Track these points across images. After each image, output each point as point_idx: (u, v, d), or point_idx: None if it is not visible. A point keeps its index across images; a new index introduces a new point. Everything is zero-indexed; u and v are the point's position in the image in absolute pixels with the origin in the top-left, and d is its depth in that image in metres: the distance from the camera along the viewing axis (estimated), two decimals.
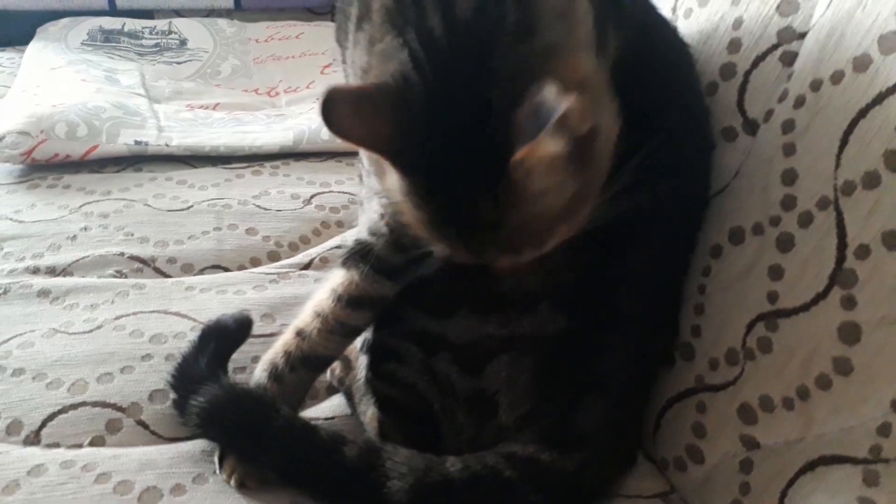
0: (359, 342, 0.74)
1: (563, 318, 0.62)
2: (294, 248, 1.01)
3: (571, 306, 0.62)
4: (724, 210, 0.70)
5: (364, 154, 0.84)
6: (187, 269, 0.94)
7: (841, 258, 0.58)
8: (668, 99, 0.67)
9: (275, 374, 0.68)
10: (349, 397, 0.75)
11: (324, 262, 0.98)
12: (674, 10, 0.79)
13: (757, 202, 0.66)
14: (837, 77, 0.61)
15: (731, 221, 0.68)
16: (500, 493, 0.60)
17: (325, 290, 0.69)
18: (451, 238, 0.54)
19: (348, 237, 1.02)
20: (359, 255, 0.68)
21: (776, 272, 0.63)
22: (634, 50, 0.63)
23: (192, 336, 0.77)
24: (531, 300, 0.62)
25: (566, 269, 0.61)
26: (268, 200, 1.08)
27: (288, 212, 1.06)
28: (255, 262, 0.98)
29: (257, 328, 0.77)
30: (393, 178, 0.54)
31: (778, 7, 0.68)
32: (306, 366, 0.69)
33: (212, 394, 0.63)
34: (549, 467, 0.61)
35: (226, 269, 0.95)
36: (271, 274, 0.93)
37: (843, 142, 0.59)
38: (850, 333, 0.56)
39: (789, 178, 0.63)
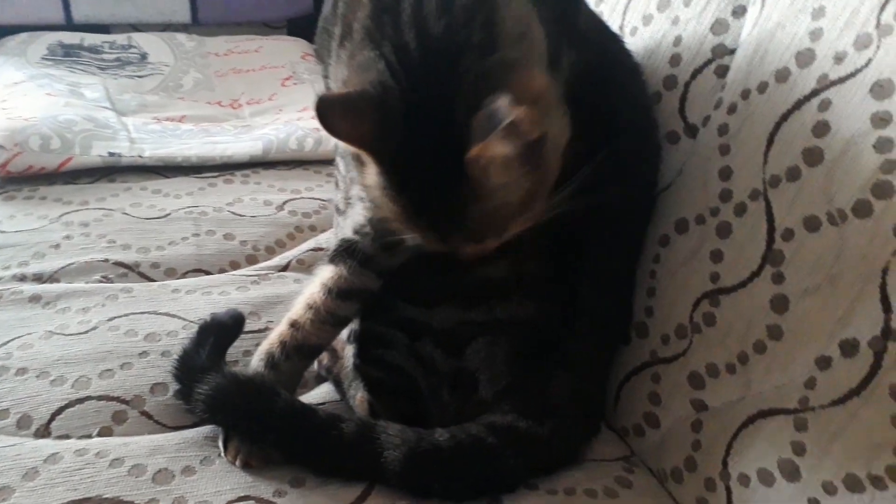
0: (345, 333, 0.80)
1: (532, 305, 0.70)
2: (271, 252, 1.07)
3: (538, 296, 0.70)
4: (670, 204, 0.79)
5: (342, 160, 0.91)
6: (170, 273, 0.99)
7: (770, 241, 0.67)
8: (620, 107, 0.76)
9: (271, 362, 0.74)
10: (337, 384, 0.81)
11: (301, 264, 1.04)
12: (621, 27, 0.88)
13: (698, 196, 0.75)
14: (763, 87, 0.71)
15: (676, 214, 0.78)
16: (483, 457, 0.67)
17: (315, 284, 0.75)
18: (422, 228, 0.62)
19: (322, 240, 1.09)
20: (346, 252, 0.74)
21: (717, 256, 0.72)
22: (591, 65, 0.71)
23: (185, 334, 0.83)
24: (504, 291, 0.70)
25: (533, 263, 0.68)
26: (242, 207, 1.13)
27: (262, 217, 1.12)
28: (235, 266, 1.03)
29: (245, 325, 0.83)
30: (372, 175, 0.61)
31: (711, 27, 0.78)
32: (300, 353, 0.75)
33: (215, 382, 0.69)
34: (526, 433, 0.69)
35: (207, 273, 1.00)
36: (252, 276, 0.99)
37: (770, 142, 0.69)
38: (780, 304, 0.66)
39: (726, 174, 0.73)
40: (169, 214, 1.09)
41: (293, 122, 1.35)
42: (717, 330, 0.71)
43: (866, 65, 0.63)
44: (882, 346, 0.58)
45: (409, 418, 0.70)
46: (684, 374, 0.74)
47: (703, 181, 0.75)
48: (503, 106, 0.53)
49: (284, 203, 1.16)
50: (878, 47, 0.62)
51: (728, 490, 0.68)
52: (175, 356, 0.74)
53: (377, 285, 0.74)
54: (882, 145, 0.60)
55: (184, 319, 0.86)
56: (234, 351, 0.79)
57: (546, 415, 0.70)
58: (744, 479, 0.67)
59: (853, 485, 0.59)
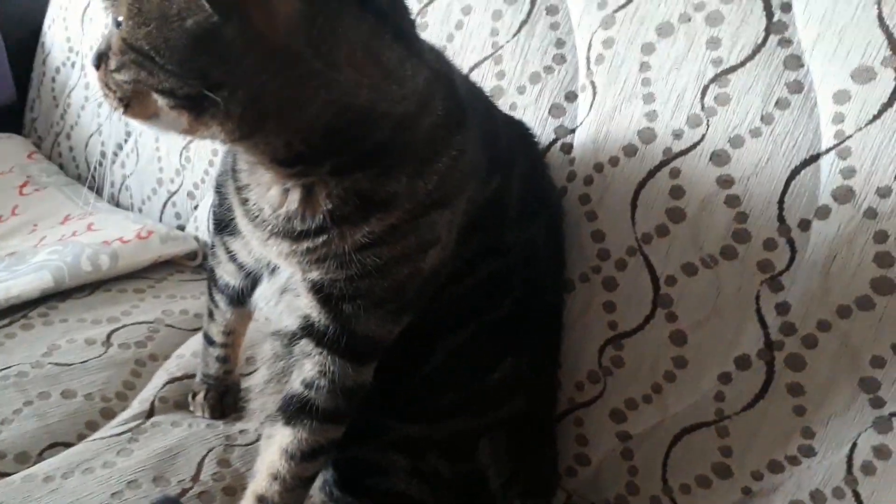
0: None
1: (525, 396, 0.75)
2: (123, 399, 0.95)
3: (529, 386, 0.76)
4: None
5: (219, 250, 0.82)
6: (23, 458, 0.82)
7: (657, 288, 0.81)
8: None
9: None
10: None
11: (164, 403, 0.94)
12: None
13: (576, 258, 0.87)
14: (614, 161, 0.84)
15: None
16: None
17: (274, 450, 0.70)
18: None
19: (173, 368, 1.00)
20: (300, 411, 0.69)
21: (609, 306, 0.85)
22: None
23: None
24: (509, 391, 0.73)
25: (526, 357, 0.71)
26: (63, 355, 0.98)
27: (94, 361, 0.98)
28: (93, 426, 0.89)
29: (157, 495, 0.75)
30: None
31: (550, 111, 0.90)
32: None
33: None
34: None
35: (66, 444, 0.86)
36: (123, 433, 0.87)
37: (633, 206, 0.83)
38: (678, 338, 0.80)
39: (598, 237, 0.85)
40: None
41: (71, 240, 1.19)
42: (626, 369, 0.84)
43: (701, 139, 0.79)
44: (770, 356, 0.75)
45: None
46: (605, 412, 0.85)
47: (578, 244, 0.87)
48: None
49: (109, 336, 1.03)
50: (707, 125, 0.79)
51: (673, 500, 0.81)
52: None
53: (342, 430, 0.71)
54: (731, 201, 0.77)
55: None
56: None
57: (545, 490, 0.76)
58: (685, 488, 0.80)
59: (775, 468, 0.75)
